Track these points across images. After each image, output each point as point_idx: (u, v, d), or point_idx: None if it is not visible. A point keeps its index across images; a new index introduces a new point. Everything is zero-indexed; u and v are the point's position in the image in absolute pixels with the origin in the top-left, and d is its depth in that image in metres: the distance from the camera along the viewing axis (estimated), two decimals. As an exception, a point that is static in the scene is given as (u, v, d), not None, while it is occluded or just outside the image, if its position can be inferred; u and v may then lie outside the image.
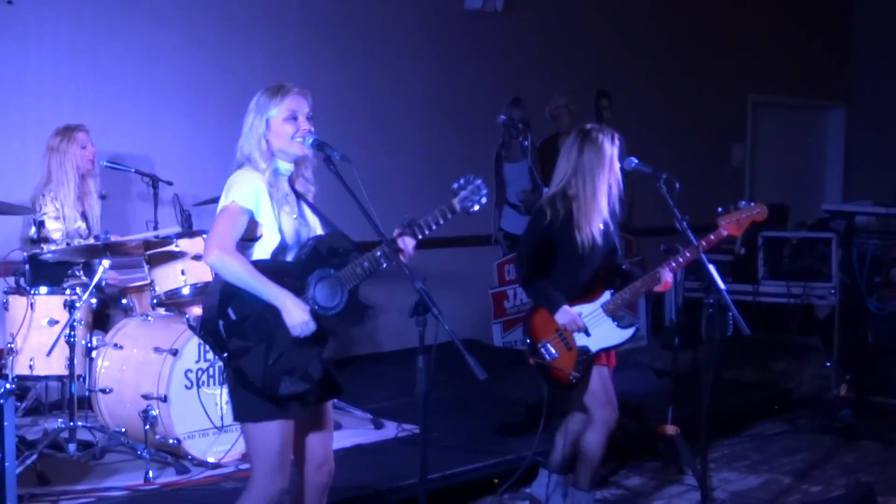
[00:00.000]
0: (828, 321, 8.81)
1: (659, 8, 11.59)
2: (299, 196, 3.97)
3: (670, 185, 5.00)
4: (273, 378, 3.71)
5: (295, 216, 3.91)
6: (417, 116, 9.44)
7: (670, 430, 6.15)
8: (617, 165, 5.10)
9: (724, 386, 8.03)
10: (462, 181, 4.03)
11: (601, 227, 5.06)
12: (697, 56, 12.04)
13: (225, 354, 3.72)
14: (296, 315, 3.71)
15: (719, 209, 5.14)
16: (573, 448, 5.24)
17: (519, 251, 5.24)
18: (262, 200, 3.81)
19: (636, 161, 5.17)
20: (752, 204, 5.13)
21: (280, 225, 3.82)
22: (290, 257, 3.85)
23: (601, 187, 5.02)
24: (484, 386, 6.91)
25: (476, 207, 4.03)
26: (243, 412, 3.83)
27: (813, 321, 9.23)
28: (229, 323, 3.71)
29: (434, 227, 3.95)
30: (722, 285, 4.89)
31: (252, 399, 3.76)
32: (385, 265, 3.86)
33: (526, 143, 7.66)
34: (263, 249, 3.83)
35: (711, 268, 4.92)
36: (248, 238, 3.82)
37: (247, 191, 3.79)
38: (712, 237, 5.01)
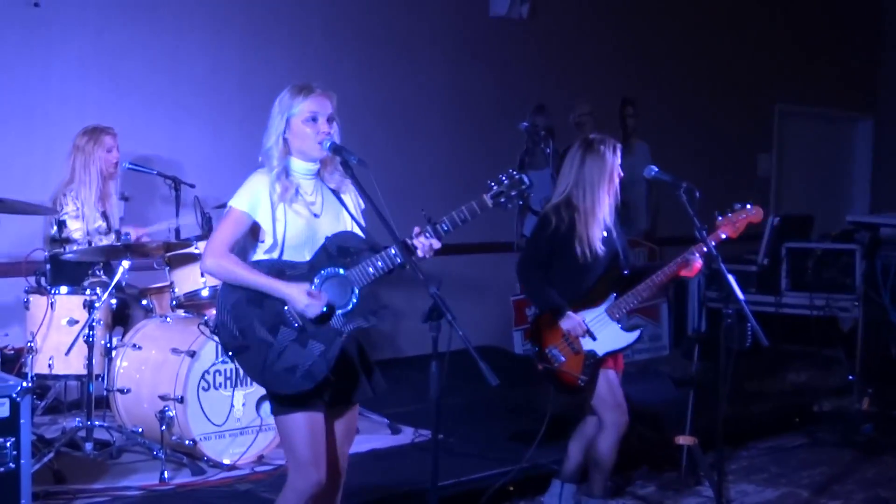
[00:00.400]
0: (851, 334, 8.74)
1: (685, 16, 11.55)
2: (336, 193, 3.96)
3: (690, 194, 5.00)
4: (273, 375, 3.75)
5: (317, 215, 3.89)
6: (441, 122, 9.44)
7: (688, 440, 6.11)
8: (617, 178, 5.13)
9: (744, 397, 7.99)
10: (503, 176, 3.92)
11: (603, 234, 5.11)
12: (724, 64, 11.98)
13: (229, 353, 3.80)
14: (295, 295, 3.73)
15: (717, 214, 5.17)
16: (586, 456, 5.23)
17: (522, 258, 5.24)
18: (262, 202, 3.83)
19: (656, 169, 5.17)
20: (749, 206, 5.15)
21: (276, 226, 3.83)
22: (307, 256, 3.85)
23: (602, 198, 5.07)
24: (503, 393, 6.96)
25: (510, 205, 3.91)
26: (273, 406, 3.89)
27: (836, 333, 9.16)
28: (231, 322, 3.77)
29: (461, 224, 3.83)
30: (741, 296, 4.86)
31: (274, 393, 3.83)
32: (400, 262, 3.80)
33: (548, 150, 7.66)
34: (262, 250, 3.87)
35: (731, 278, 4.89)
36: (256, 238, 3.89)
37: (244, 195, 3.85)
38: (711, 241, 5.01)
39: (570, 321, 5.02)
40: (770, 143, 12.93)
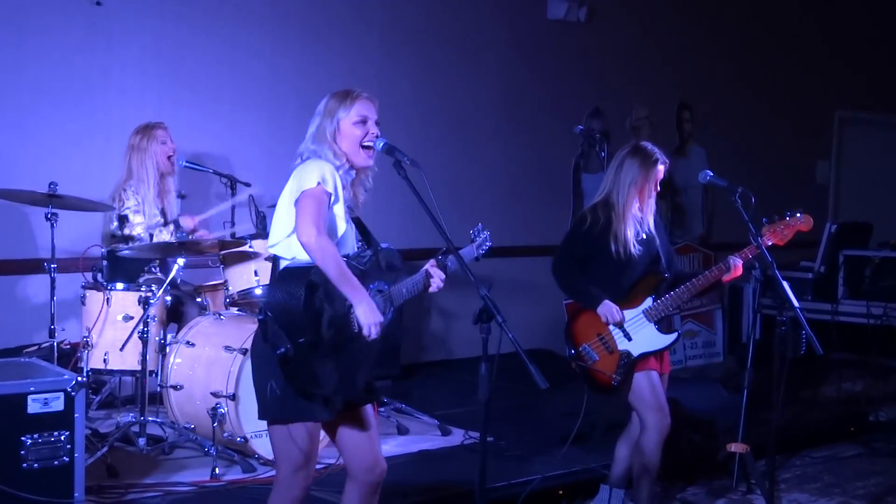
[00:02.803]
0: (910, 343, 8.63)
1: (744, 19, 11.46)
2: (352, 209, 3.98)
3: (745, 199, 4.98)
4: (327, 378, 3.70)
5: (348, 221, 3.92)
6: (497, 124, 9.43)
7: (740, 447, 6.05)
8: (656, 188, 5.13)
9: (799, 405, 7.91)
10: (472, 232, 4.43)
11: (643, 236, 5.10)
12: (784, 71, 11.87)
13: (300, 340, 3.63)
14: (369, 314, 3.69)
15: (764, 220, 5.16)
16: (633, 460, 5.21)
17: (557, 254, 5.24)
18: (339, 189, 3.82)
19: (711, 174, 5.16)
20: (798, 214, 5.15)
21: (344, 218, 3.85)
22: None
23: (634, 200, 5.06)
24: (553, 396, 6.94)
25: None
26: (271, 412, 3.82)
27: (894, 342, 9.04)
28: (311, 314, 3.66)
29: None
30: (796, 303, 4.82)
31: (285, 399, 3.73)
32: (421, 289, 3.98)
33: (603, 153, 7.62)
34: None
35: (785, 285, 4.85)
36: None
37: (328, 177, 3.77)
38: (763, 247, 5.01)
39: (606, 307, 5.03)
40: (829, 149, 12.79)
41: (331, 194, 3.76)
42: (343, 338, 3.73)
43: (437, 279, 3.99)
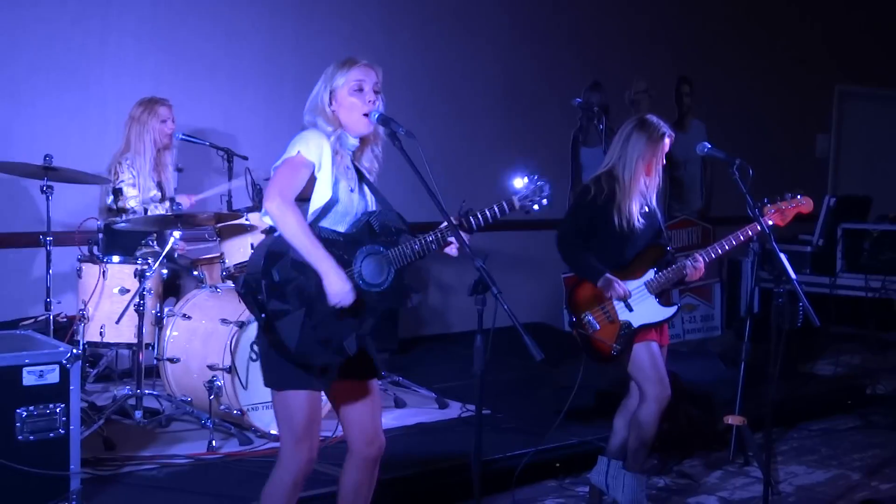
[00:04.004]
0: (908, 316, 8.64)
1: (745, -7, 11.40)
2: (360, 174, 3.95)
3: (743, 171, 4.95)
4: (307, 346, 3.65)
5: (352, 190, 3.88)
6: (495, 97, 9.40)
7: (737, 420, 6.07)
8: (661, 162, 5.14)
9: (797, 379, 7.92)
10: (526, 178, 4.03)
11: (646, 209, 5.13)
12: (784, 44, 11.81)
13: (262, 315, 3.64)
14: (335, 283, 3.65)
15: (765, 200, 5.18)
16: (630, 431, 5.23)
17: (561, 226, 5.23)
18: (325, 158, 3.77)
19: (709, 146, 5.13)
20: (799, 196, 5.19)
21: (335, 187, 3.79)
22: (341, 228, 3.82)
23: (641, 174, 5.07)
24: (552, 370, 6.95)
25: (536, 207, 4.03)
26: (273, 379, 3.81)
27: (892, 316, 9.04)
28: (272, 283, 3.64)
29: (490, 220, 3.92)
30: (793, 275, 4.81)
31: (282, 366, 3.71)
32: (435, 249, 3.85)
33: (602, 127, 7.60)
34: (314, 206, 3.78)
35: (783, 257, 4.84)
36: (303, 198, 3.77)
37: (312, 145, 3.76)
38: (756, 227, 5.05)
39: (606, 280, 5.03)
40: (829, 123, 12.75)
41: (313, 163, 3.74)
42: (323, 307, 3.69)
43: (453, 246, 3.89)
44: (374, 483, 4.07)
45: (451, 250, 3.93)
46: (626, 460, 5.19)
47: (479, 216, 3.90)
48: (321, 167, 3.77)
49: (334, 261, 3.67)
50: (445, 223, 3.80)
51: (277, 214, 3.66)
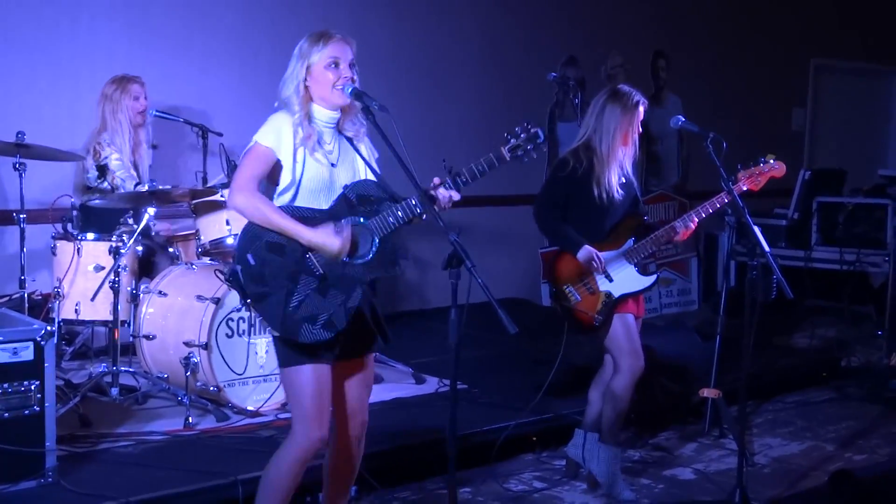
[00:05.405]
0: (881, 289, 8.67)
1: (720, -33, 11.39)
2: (351, 141, 3.93)
3: (717, 145, 4.97)
4: (293, 324, 3.69)
5: (334, 164, 3.86)
6: (472, 72, 9.37)
7: (712, 393, 6.11)
8: (637, 131, 5.15)
9: (772, 351, 7.97)
10: (518, 129, 3.93)
11: (622, 179, 5.15)
12: (759, 18, 11.81)
13: (247, 300, 3.74)
14: (325, 242, 3.70)
15: (738, 166, 5.21)
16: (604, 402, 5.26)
17: (539, 198, 5.25)
18: (285, 140, 3.78)
19: (682, 119, 5.16)
20: (772, 160, 5.21)
21: (296, 167, 3.79)
22: (323, 204, 3.82)
23: (619, 146, 5.09)
24: (529, 345, 6.96)
25: (533, 155, 3.92)
26: (280, 357, 3.85)
27: (866, 289, 9.09)
28: (248, 268, 3.71)
29: (479, 176, 3.83)
30: (767, 248, 4.84)
31: (285, 344, 3.77)
32: (423, 215, 3.79)
33: (577, 101, 7.61)
34: (278, 193, 3.83)
35: (757, 230, 4.86)
36: (275, 181, 3.82)
37: (269, 130, 3.79)
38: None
39: (586, 252, 5.05)
40: (805, 97, 12.78)
41: (270, 148, 3.77)
42: (304, 285, 3.73)
43: (443, 199, 3.80)
44: (359, 459, 4.13)
45: (442, 195, 3.80)
46: (602, 433, 5.23)
47: (466, 173, 3.82)
48: (281, 149, 3.79)
49: (311, 228, 3.70)
50: (424, 190, 3.75)
51: (243, 207, 3.74)
